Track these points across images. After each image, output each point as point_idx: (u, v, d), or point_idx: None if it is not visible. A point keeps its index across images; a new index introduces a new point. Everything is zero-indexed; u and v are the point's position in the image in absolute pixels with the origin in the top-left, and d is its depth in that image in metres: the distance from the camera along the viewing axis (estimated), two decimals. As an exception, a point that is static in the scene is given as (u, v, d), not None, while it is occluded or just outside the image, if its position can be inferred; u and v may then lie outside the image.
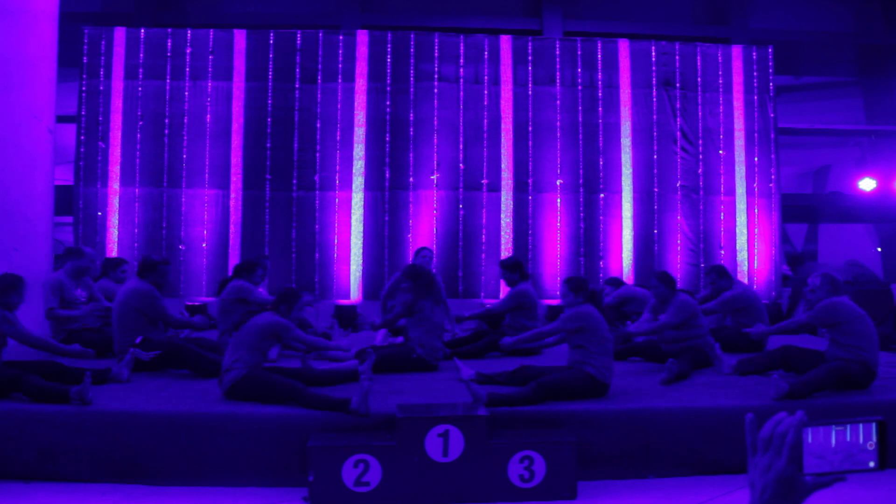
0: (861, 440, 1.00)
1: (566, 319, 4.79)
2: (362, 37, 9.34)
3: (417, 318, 5.78)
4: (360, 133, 9.19)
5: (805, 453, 1.01)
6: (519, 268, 6.73)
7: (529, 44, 9.46)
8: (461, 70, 9.33)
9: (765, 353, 5.56)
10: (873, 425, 1.00)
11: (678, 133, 9.48)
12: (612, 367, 4.74)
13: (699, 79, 9.57)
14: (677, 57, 9.55)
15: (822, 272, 5.14)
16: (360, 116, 9.20)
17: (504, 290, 9.11)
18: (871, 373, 4.82)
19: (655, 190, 9.41)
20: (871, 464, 1.00)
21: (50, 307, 6.05)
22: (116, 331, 5.53)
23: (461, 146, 9.24)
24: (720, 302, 6.73)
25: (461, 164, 9.23)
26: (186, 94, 9.14)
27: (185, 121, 9.11)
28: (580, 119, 9.40)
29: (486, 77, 9.35)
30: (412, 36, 9.36)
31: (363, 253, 9.12)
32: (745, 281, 9.40)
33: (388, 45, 9.31)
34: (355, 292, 9.07)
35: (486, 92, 9.33)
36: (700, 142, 9.53)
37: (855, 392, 4.75)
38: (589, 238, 9.34)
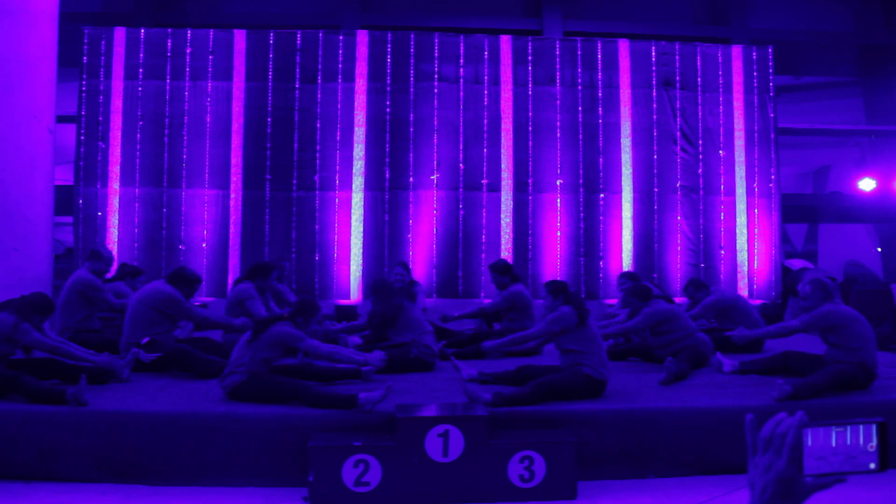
0: (861, 441, 1.00)
1: (549, 322, 4.82)
2: (362, 37, 9.34)
3: (403, 322, 5.79)
4: (360, 133, 9.19)
5: (805, 454, 1.01)
6: (509, 271, 6.78)
7: (529, 44, 9.46)
8: (461, 70, 9.33)
9: (766, 357, 5.56)
10: (874, 427, 1.00)
11: (678, 133, 9.48)
12: (608, 364, 4.74)
13: (699, 79, 9.57)
14: (677, 57, 9.55)
15: (812, 278, 5.15)
16: (360, 116, 9.20)
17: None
18: (871, 374, 4.83)
19: (655, 190, 9.41)
20: (872, 465, 1.00)
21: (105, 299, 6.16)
22: (128, 326, 5.52)
23: (461, 146, 9.24)
24: (702, 307, 6.81)
25: (461, 164, 9.23)
26: (186, 94, 9.13)
27: (185, 121, 9.10)
28: (580, 119, 9.40)
29: (486, 77, 9.35)
30: (412, 36, 9.36)
31: (363, 253, 9.12)
32: (745, 281, 9.42)
33: (388, 45, 9.31)
34: (355, 292, 9.07)
35: (486, 92, 9.33)
36: (700, 142, 9.53)
37: (855, 392, 4.75)
38: (589, 238, 9.34)
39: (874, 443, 1.00)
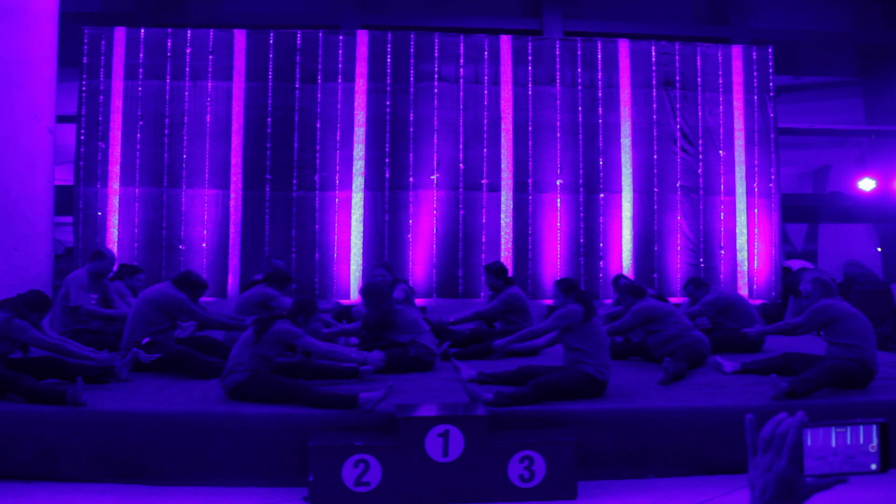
0: (862, 442, 1.00)
1: (557, 317, 4.86)
2: (362, 37, 9.34)
3: (400, 324, 5.79)
4: (360, 133, 9.19)
5: (805, 454, 1.01)
6: (504, 273, 6.83)
7: (529, 44, 9.46)
8: (461, 70, 9.32)
9: (767, 358, 5.56)
10: (875, 427, 1.00)
11: (678, 133, 9.48)
12: (609, 365, 4.75)
13: (699, 79, 9.57)
14: (677, 57, 9.55)
15: (813, 277, 5.17)
16: (360, 116, 9.20)
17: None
18: (870, 371, 4.83)
19: (655, 190, 9.41)
20: (873, 466, 1.00)
21: (79, 304, 6.06)
22: (129, 326, 5.52)
23: (461, 146, 9.24)
24: (701, 304, 6.83)
25: (461, 164, 9.23)
26: (186, 94, 9.13)
27: (185, 121, 9.10)
28: (580, 119, 9.39)
29: (486, 77, 9.35)
30: (412, 36, 9.35)
31: (363, 253, 9.12)
32: (745, 281, 9.41)
33: (388, 45, 9.30)
34: (355, 292, 9.06)
35: (486, 92, 9.33)
36: (700, 142, 9.53)
37: (855, 392, 4.75)
38: (589, 238, 9.34)
39: (875, 443, 1.00)
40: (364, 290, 6.09)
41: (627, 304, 5.99)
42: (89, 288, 6.22)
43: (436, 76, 9.26)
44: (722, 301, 6.82)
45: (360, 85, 9.23)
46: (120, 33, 9.14)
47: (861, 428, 1.00)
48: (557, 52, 9.46)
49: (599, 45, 9.51)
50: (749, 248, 9.51)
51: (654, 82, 9.47)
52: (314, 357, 5.38)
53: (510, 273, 7.54)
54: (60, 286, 6.34)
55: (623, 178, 9.41)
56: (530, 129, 9.33)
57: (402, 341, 5.73)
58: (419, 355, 5.71)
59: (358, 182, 9.15)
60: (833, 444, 1.01)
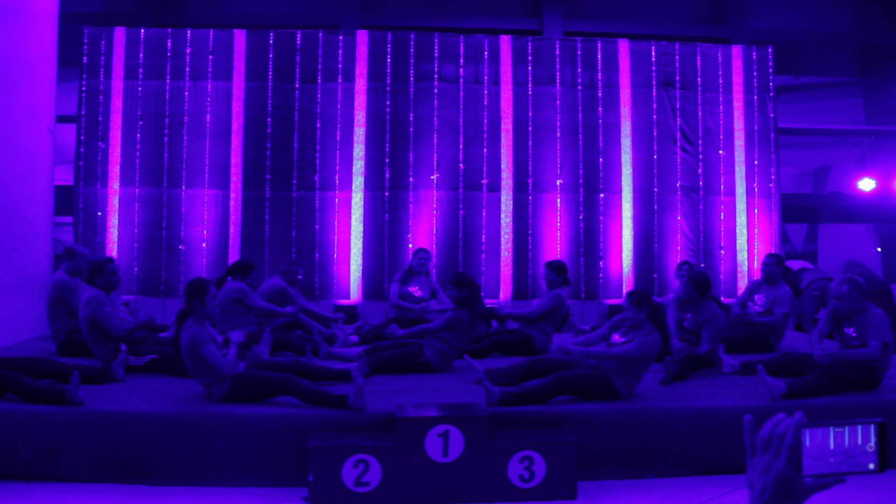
0: (860, 442, 1.00)
1: (642, 344, 4.50)
2: (362, 37, 9.34)
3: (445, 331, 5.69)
4: (360, 133, 9.18)
5: (804, 455, 1.01)
6: (564, 272, 6.67)
7: (529, 44, 9.45)
8: (461, 70, 9.32)
9: (767, 359, 5.55)
10: (872, 427, 1.00)
11: (678, 133, 9.48)
12: (640, 383, 4.71)
13: (699, 79, 9.57)
14: (677, 57, 9.55)
15: (847, 277, 4.99)
16: (360, 116, 9.20)
17: (505, 292, 9.13)
18: (879, 379, 4.81)
19: (655, 190, 9.41)
20: (871, 466, 1.00)
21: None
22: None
23: (461, 146, 9.24)
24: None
25: (461, 164, 9.23)
26: (186, 94, 9.13)
27: (185, 121, 9.10)
28: (580, 119, 9.39)
29: (485, 77, 9.35)
30: (412, 36, 9.35)
31: (363, 253, 9.12)
32: (746, 281, 9.40)
33: (388, 45, 9.30)
34: (355, 292, 9.07)
35: (485, 92, 9.33)
36: (700, 142, 9.53)
37: (855, 392, 4.74)
38: (589, 238, 9.34)
39: (873, 443, 1.00)
40: (458, 279, 5.75)
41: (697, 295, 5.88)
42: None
43: (436, 76, 9.26)
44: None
45: (360, 85, 9.23)
46: (120, 33, 9.14)
47: (859, 428, 1.00)
48: (557, 53, 9.46)
49: (599, 45, 9.51)
50: (749, 248, 9.51)
51: (654, 82, 9.47)
52: (307, 358, 5.39)
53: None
54: (52, 290, 6.23)
55: (623, 178, 9.41)
56: (530, 129, 9.33)
57: (431, 345, 5.66)
58: (430, 360, 5.64)
59: (358, 182, 9.15)
60: (831, 444, 1.01)
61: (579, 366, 4.81)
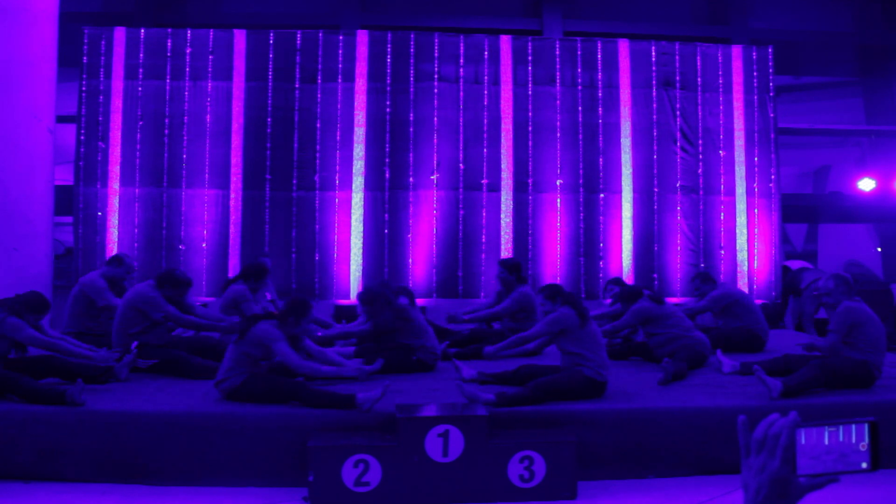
0: (854, 441, 1.01)
1: (548, 323, 4.84)
2: (362, 37, 9.34)
3: (409, 328, 5.76)
4: (360, 133, 9.19)
5: (798, 454, 1.01)
6: (518, 270, 6.76)
7: (529, 44, 9.46)
8: (461, 70, 9.33)
9: (767, 359, 5.56)
10: (865, 426, 1.01)
11: (678, 133, 9.48)
12: (608, 365, 4.74)
13: (699, 79, 9.57)
14: (677, 57, 9.55)
15: (834, 274, 5.14)
16: (360, 116, 9.20)
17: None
18: (872, 375, 4.82)
19: (655, 190, 9.41)
20: (864, 465, 1.00)
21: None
22: (115, 326, 5.52)
23: (461, 146, 9.24)
24: (709, 299, 6.80)
25: (461, 164, 9.23)
26: (186, 94, 9.14)
27: (185, 121, 9.11)
28: (580, 119, 9.40)
29: (486, 77, 9.35)
30: (412, 36, 9.36)
31: (363, 253, 9.12)
32: (745, 281, 9.41)
33: (388, 45, 9.31)
34: (355, 292, 9.07)
35: (486, 92, 9.33)
36: (700, 142, 9.53)
37: (855, 392, 4.75)
38: (589, 238, 9.34)
39: (866, 442, 1.00)
40: (364, 296, 5.88)
41: (624, 308, 5.99)
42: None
43: (436, 76, 9.27)
44: (727, 298, 6.82)
45: (360, 85, 9.24)
46: (120, 33, 9.15)
47: (853, 427, 1.01)
48: (557, 53, 9.46)
49: (599, 45, 9.51)
50: (749, 248, 9.51)
51: (654, 82, 9.47)
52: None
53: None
54: (63, 287, 6.26)
55: (623, 178, 9.41)
56: (530, 129, 9.33)
57: (412, 345, 5.71)
58: (423, 358, 5.70)
59: (358, 182, 9.15)
60: (826, 443, 1.01)
61: (555, 370, 4.85)
